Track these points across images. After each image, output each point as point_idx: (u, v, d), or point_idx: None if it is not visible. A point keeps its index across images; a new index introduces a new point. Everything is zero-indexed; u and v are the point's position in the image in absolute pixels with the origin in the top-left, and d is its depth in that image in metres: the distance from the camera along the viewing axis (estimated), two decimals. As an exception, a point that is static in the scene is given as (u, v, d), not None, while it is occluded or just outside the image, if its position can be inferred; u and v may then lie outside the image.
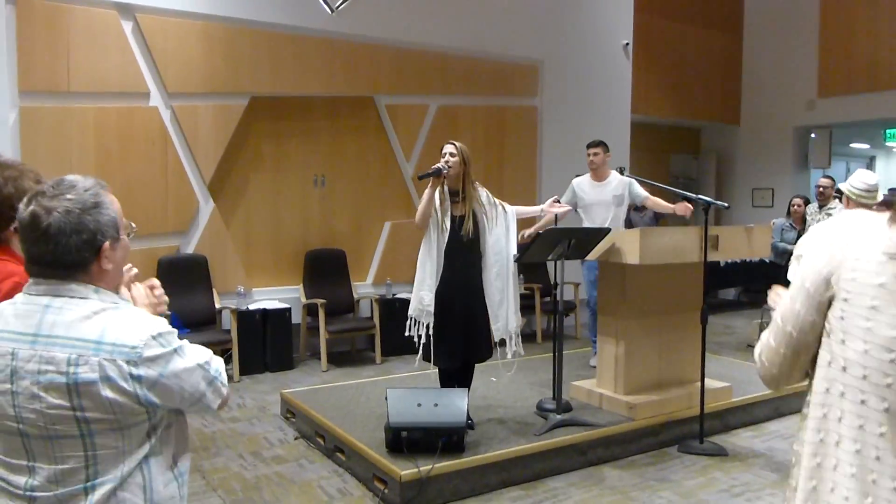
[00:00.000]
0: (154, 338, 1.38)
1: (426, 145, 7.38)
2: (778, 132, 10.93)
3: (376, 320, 6.70)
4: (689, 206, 5.09)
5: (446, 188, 4.17)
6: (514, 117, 8.09)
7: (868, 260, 1.19)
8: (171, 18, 6.09)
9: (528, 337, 7.35)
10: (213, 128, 6.37)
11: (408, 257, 7.28)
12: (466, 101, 7.73)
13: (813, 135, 10.95)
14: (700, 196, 4.65)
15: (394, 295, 7.01)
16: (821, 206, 7.10)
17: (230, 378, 5.94)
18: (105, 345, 1.34)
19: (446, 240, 4.12)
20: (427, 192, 4.08)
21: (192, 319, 5.99)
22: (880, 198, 3.85)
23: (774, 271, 7.18)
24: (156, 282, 1.69)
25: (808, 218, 7.20)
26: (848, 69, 9.96)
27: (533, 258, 4.53)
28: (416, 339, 4.15)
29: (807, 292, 1.28)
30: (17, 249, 1.76)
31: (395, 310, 6.85)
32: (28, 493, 1.38)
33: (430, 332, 4.11)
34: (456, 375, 4.32)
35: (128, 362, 1.34)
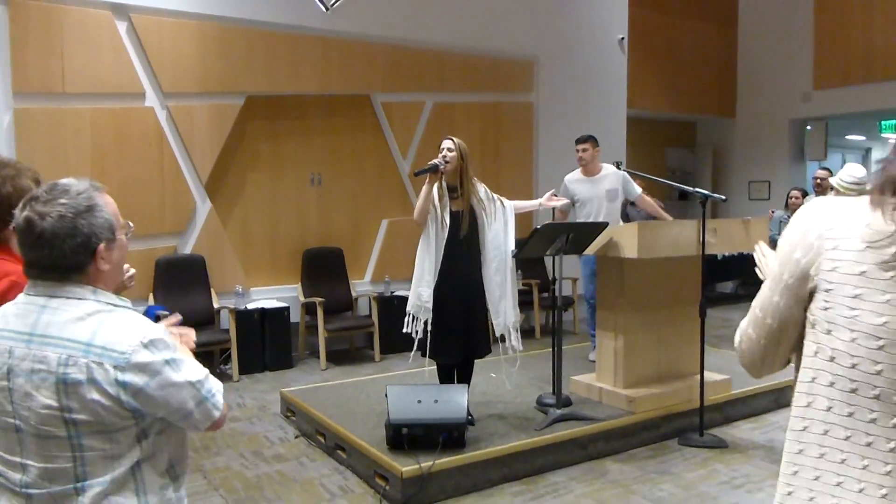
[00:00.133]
0: (145, 345, 1.37)
1: (422, 143, 7.38)
2: (774, 125, 10.95)
3: (375, 318, 6.70)
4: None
5: (444, 184, 4.17)
6: (511, 113, 8.09)
7: (847, 249, 1.18)
8: (165, 18, 6.08)
9: (526, 332, 7.36)
10: (209, 127, 6.36)
11: (405, 255, 7.27)
12: (462, 97, 7.73)
13: (809, 127, 10.97)
14: (697, 189, 4.66)
15: (392, 293, 7.01)
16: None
17: (229, 378, 5.95)
18: (95, 347, 1.35)
19: (445, 236, 4.12)
20: (425, 188, 4.08)
21: (190, 320, 5.90)
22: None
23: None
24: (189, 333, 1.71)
25: None
26: (843, 61, 9.97)
27: (531, 253, 4.53)
28: (413, 336, 4.14)
29: (785, 284, 1.26)
30: (15, 249, 1.77)
31: (393, 307, 6.84)
32: (24, 490, 1.40)
33: (429, 328, 4.10)
34: (455, 372, 4.32)
35: (115, 367, 1.34)
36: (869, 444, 1.17)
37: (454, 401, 3.87)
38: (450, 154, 4.13)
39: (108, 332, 1.37)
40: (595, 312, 5.80)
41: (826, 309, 1.20)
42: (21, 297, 1.46)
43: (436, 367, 4.36)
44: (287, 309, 6.45)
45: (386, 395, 3.89)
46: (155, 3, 5.99)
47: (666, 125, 11.54)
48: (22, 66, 5.51)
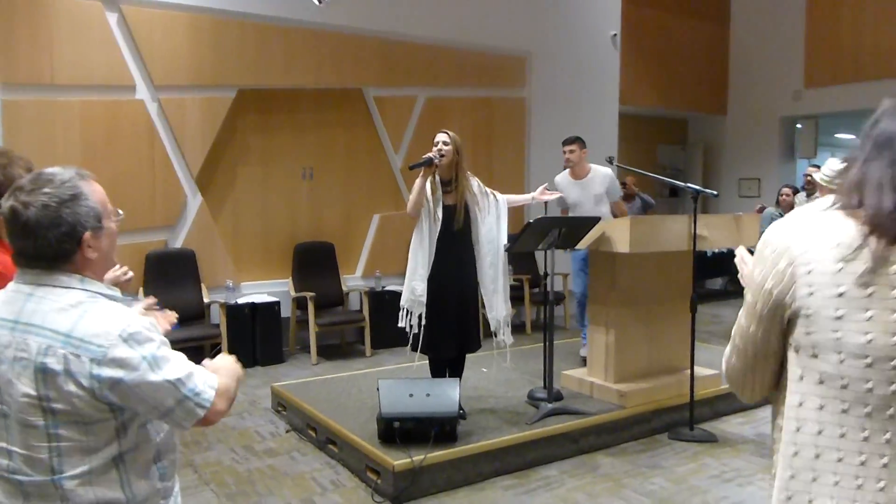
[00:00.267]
0: (125, 339, 1.36)
1: (415, 137, 7.37)
2: (764, 122, 10.99)
3: (366, 313, 6.69)
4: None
5: (438, 178, 4.16)
6: (503, 109, 8.08)
7: (822, 272, 1.16)
8: (156, 10, 6.03)
9: (517, 327, 7.36)
10: (201, 121, 6.32)
11: (397, 249, 7.29)
12: (455, 92, 7.71)
13: (799, 125, 11.02)
14: (689, 184, 4.67)
15: (383, 287, 7.00)
16: (808, 195, 7.15)
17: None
18: (73, 339, 1.35)
19: (438, 230, 4.11)
20: (419, 181, 4.07)
21: (180, 314, 5.85)
22: None
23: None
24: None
25: (797, 207, 7.25)
26: (834, 60, 10.02)
27: (523, 247, 4.53)
28: (408, 330, 4.14)
29: (760, 315, 1.24)
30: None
31: (384, 302, 6.84)
32: (12, 476, 1.41)
33: (423, 322, 4.10)
34: (447, 366, 4.32)
35: (92, 360, 1.34)
36: (862, 464, 1.16)
37: (446, 395, 3.87)
38: (445, 148, 4.12)
39: (88, 324, 1.36)
40: (584, 308, 5.81)
41: (809, 334, 1.18)
42: (11, 284, 1.46)
43: (427, 361, 4.36)
44: (278, 303, 6.43)
45: (378, 389, 3.88)
46: (146, -6, 5.96)
47: (658, 122, 11.57)
48: (10, 57, 5.45)
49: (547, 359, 4.49)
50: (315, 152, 7.03)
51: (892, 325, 1.13)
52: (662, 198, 10.96)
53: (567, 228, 4.30)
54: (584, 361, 5.54)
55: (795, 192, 7.59)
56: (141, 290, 5.86)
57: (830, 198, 1.24)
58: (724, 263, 9.79)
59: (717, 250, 8.83)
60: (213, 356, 1.64)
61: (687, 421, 4.48)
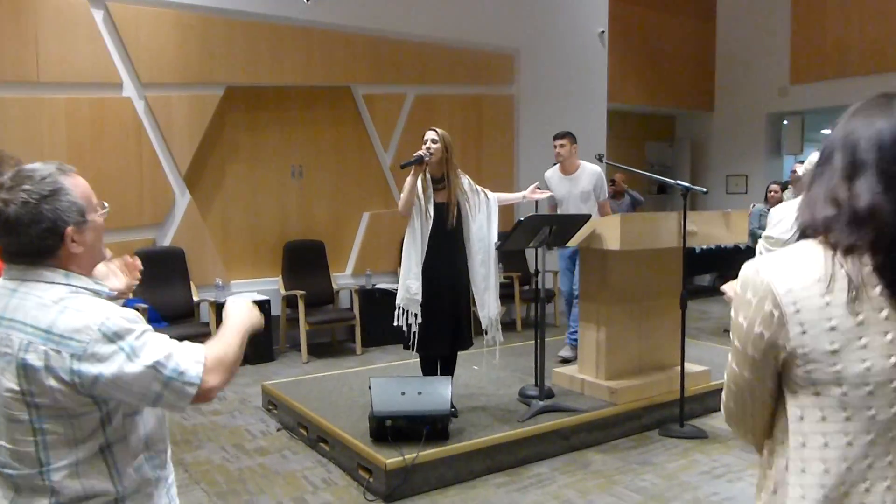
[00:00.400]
0: (104, 333, 1.35)
1: (404, 135, 7.36)
2: (751, 119, 11.06)
3: (356, 311, 6.68)
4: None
5: (429, 175, 4.16)
6: (492, 106, 8.08)
7: (810, 308, 1.14)
8: (142, 7, 5.99)
9: (507, 325, 7.39)
10: (188, 118, 6.28)
11: (387, 247, 7.29)
12: (443, 90, 7.70)
13: (785, 121, 11.10)
14: (679, 181, 4.69)
15: (373, 285, 6.99)
16: (796, 192, 7.20)
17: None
18: (53, 335, 1.35)
19: (430, 227, 4.11)
20: (409, 179, 4.06)
21: (169, 313, 5.92)
22: None
23: (750, 257, 7.28)
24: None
25: (784, 203, 7.30)
26: (819, 56, 10.09)
27: (514, 245, 4.54)
28: (405, 329, 4.13)
29: (752, 360, 1.21)
30: None
31: (374, 300, 6.84)
32: (2, 470, 1.42)
33: (418, 320, 4.09)
34: (439, 363, 4.32)
35: (72, 356, 1.33)
36: (867, 490, 1.15)
37: (438, 393, 3.87)
38: (434, 146, 4.11)
39: (67, 320, 1.36)
40: (570, 306, 5.83)
41: (808, 372, 1.16)
42: None
43: (419, 359, 4.36)
44: (268, 302, 6.39)
45: (370, 388, 3.88)
46: (132, -9, 5.91)
47: (645, 119, 11.61)
48: (-5, 55, 5.40)
49: (538, 356, 4.50)
50: (304, 150, 7.01)
51: (886, 348, 1.12)
52: (651, 194, 11.01)
53: (557, 226, 4.31)
54: (562, 361, 5.56)
55: (784, 188, 7.64)
56: (129, 289, 5.82)
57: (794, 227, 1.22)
58: (712, 260, 9.84)
59: (705, 246, 8.87)
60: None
61: (677, 417, 4.50)
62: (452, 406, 4.09)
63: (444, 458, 3.76)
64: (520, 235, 4.24)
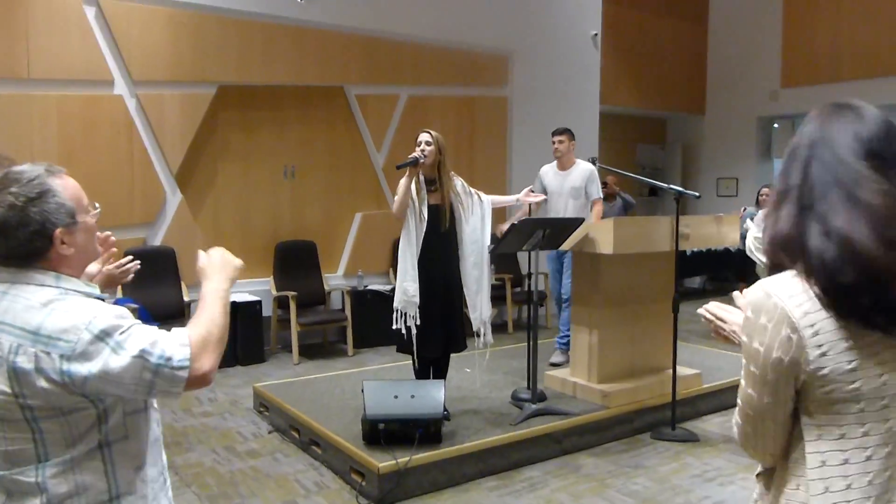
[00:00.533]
0: (92, 332, 1.35)
1: (397, 135, 7.34)
2: (742, 122, 11.11)
3: (348, 312, 6.66)
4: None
5: (422, 177, 4.15)
6: (485, 107, 8.08)
7: (828, 329, 1.14)
8: (134, 4, 5.94)
9: (499, 327, 7.40)
10: (180, 117, 6.24)
11: (379, 248, 7.28)
12: (437, 91, 7.69)
13: (776, 125, 11.16)
14: (671, 186, 4.70)
15: (365, 286, 6.98)
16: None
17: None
18: (42, 336, 1.34)
19: (424, 229, 4.10)
20: (404, 181, 4.05)
21: (160, 313, 5.86)
22: None
23: (740, 260, 7.32)
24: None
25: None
26: (810, 60, 10.15)
27: (508, 248, 4.53)
28: (403, 332, 4.11)
29: (774, 385, 1.19)
30: None
31: (366, 301, 6.83)
32: None
33: (418, 322, 4.08)
34: (432, 366, 4.31)
35: (61, 356, 1.33)
36: (889, 501, 1.17)
37: (431, 396, 3.86)
38: (428, 148, 4.11)
39: (55, 321, 1.35)
40: (561, 310, 5.84)
41: (827, 393, 1.16)
42: None
43: (411, 361, 4.35)
44: (259, 303, 6.38)
45: (362, 391, 3.86)
46: (124, -12, 5.86)
47: (637, 121, 11.64)
48: (-15, 51, 5.35)
49: (531, 359, 4.50)
50: (297, 150, 6.98)
51: None
52: (642, 197, 11.04)
53: (551, 230, 4.31)
54: (553, 367, 5.56)
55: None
56: (119, 287, 5.77)
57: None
58: (703, 262, 9.88)
59: (695, 249, 8.90)
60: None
61: (669, 420, 4.51)
62: (445, 409, 4.08)
63: (437, 462, 3.75)
64: (514, 238, 4.24)
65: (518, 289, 7.70)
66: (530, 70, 8.28)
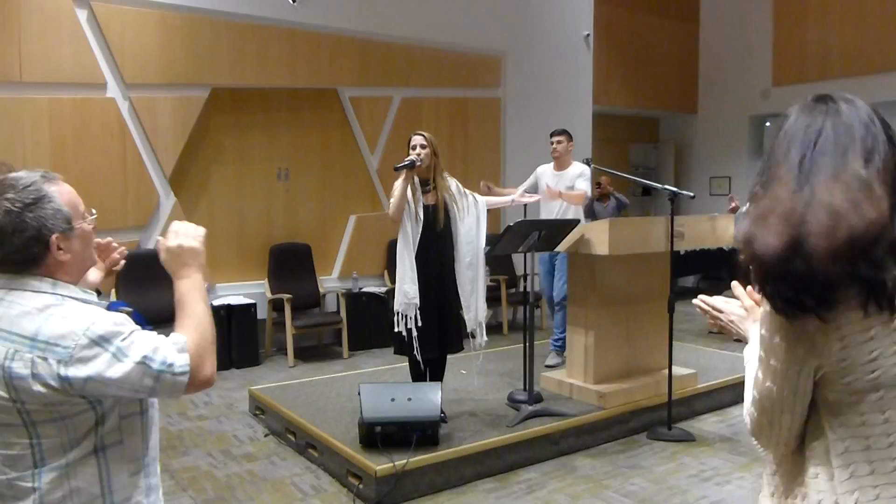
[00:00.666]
0: (90, 337, 1.35)
1: (390, 137, 7.33)
2: (734, 121, 11.14)
3: (343, 314, 6.65)
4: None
5: (416, 178, 4.15)
6: (478, 108, 8.08)
7: (849, 322, 1.14)
8: (127, 7, 5.92)
9: (494, 328, 7.40)
10: (173, 120, 6.22)
11: (374, 251, 7.27)
12: (430, 92, 7.69)
13: (767, 123, 11.20)
14: (666, 186, 4.72)
15: (360, 289, 6.97)
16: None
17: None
18: (39, 342, 1.34)
19: (420, 230, 4.10)
20: (400, 184, 4.05)
21: (154, 316, 5.80)
22: None
23: (734, 259, 7.33)
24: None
25: None
26: (801, 59, 10.20)
27: (503, 250, 4.53)
28: (405, 334, 4.10)
29: (794, 379, 1.19)
30: None
31: (361, 304, 6.82)
32: None
33: (419, 324, 4.07)
34: (429, 368, 4.31)
35: (59, 361, 1.33)
36: None
37: (427, 398, 3.86)
38: (423, 151, 4.11)
39: (52, 327, 1.35)
40: (554, 311, 5.83)
41: (848, 383, 1.17)
42: None
43: (408, 363, 4.34)
44: (254, 305, 6.36)
45: (359, 394, 3.86)
46: (116, -9, 5.84)
47: (630, 121, 11.66)
48: (-24, 55, 5.32)
49: (527, 360, 4.50)
50: (290, 153, 6.96)
51: None
52: (635, 196, 11.06)
53: (547, 231, 4.32)
54: (548, 368, 5.57)
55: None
56: (113, 291, 5.76)
57: None
58: (696, 262, 9.90)
59: (688, 248, 8.91)
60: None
61: (665, 420, 4.52)
62: (442, 411, 4.08)
63: (434, 464, 3.75)
64: (510, 240, 4.25)
65: (513, 290, 7.71)
66: (523, 71, 8.28)
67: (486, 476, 3.91)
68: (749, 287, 1.42)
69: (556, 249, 4.60)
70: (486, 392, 4.92)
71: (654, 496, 3.72)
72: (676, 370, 4.77)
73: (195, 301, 1.53)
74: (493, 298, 7.00)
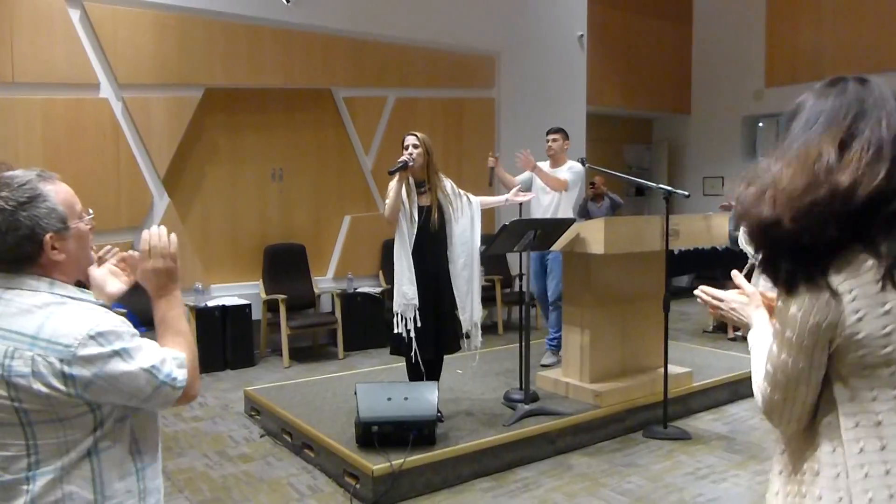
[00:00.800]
0: (92, 337, 1.34)
1: (385, 138, 7.33)
2: (727, 121, 11.18)
3: (338, 315, 6.64)
4: None
5: (411, 179, 4.14)
6: (472, 109, 8.09)
7: (866, 295, 1.16)
8: (120, 7, 5.90)
9: (489, 328, 7.41)
10: (167, 120, 6.20)
11: (369, 251, 7.27)
12: (424, 93, 7.69)
13: (760, 124, 11.25)
14: (661, 185, 4.73)
15: (355, 289, 6.96)
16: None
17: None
18: (40, 340, 1.33)
19: (415, 230, 4.10)
20: (395, 185, 4.04)
21: (147, 317, 5.78)
22: None
23: (728, 258, 7.36)
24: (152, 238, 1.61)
25: None
26: (793, 59, 10.24)
27: (499, 249, 4.54)
28: (404, 335, 4.09)
29: (810, 350, 1.21)
30: None
31: (356, 304, 6.81)
32: None
33: (419, 324, 4.06)
34: (425, 368, 4.30)
35: (61, 360, 1.32)
36: None
37: (424, 398, 3.86)
38: (416, 150, 4.11)
39: (54, 325, 1.34)
40: (548, 311, 5.84)
41: (862, 357, 1.19)
42: None
43: (405, 363, 4.34)
44: (248, 306, 6.34)
45: (355, 393, 3.85)
46: (109, -9, 5.82)
47: (623, 121, 11.69)
48: (-32, 55, 5.29)
49: (523, 360, 4.50)
50: (284, 153, 6.95)
51: None
52: (629, 196, 11.08)
53: (542, 230, 4.32)
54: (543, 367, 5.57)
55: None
56: (107, 293, 5.73)
57: None
58: (690, 261, 9.91)
59: (683, 248, 8.94)
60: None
61: (661, 419, 4.53)
62: (438, 411, 4.07)
63: (431, 464, 3.75)
64: (505, 239, 4.25)
65: (508, 290, 7.71)
66: (517, 71, 8.29)
67: (483, 475, 3.91)
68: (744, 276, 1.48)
69: (551, 248, 4.60)
70: (482, 391, 4.92)
71: (650, 494, 3.72)
72: (672, 369, 4.78)
73: (180, 319, 1.57)
74: (488, 298, 7.02)
